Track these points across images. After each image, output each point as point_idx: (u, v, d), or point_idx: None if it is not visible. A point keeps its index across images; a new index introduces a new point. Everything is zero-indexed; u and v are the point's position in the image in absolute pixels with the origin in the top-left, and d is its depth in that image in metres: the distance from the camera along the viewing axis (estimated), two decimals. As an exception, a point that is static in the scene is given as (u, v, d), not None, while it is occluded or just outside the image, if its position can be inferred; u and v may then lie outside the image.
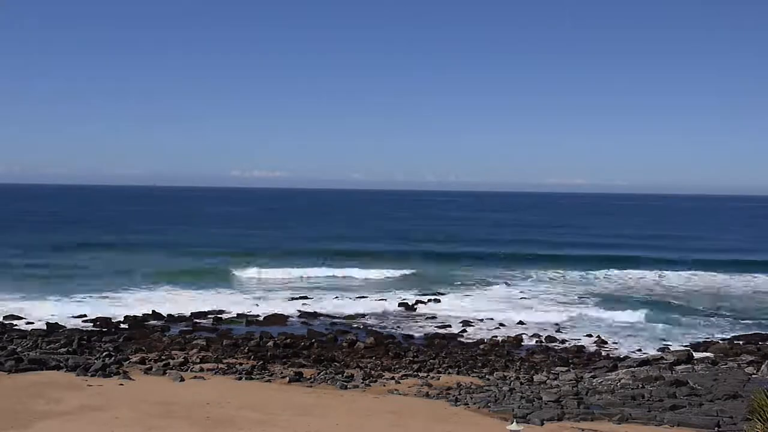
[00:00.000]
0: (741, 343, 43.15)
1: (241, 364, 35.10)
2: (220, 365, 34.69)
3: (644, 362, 36.86)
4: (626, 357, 39.03)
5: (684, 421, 26.79)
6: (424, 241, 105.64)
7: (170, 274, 65.64)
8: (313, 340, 41.09)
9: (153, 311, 48.39)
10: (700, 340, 43.80)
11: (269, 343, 39.69)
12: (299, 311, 51.39)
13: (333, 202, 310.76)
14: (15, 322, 44.17)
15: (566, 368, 35.90)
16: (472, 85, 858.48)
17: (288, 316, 49.34)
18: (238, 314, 49.55)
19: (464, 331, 45.85)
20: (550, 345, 42.03)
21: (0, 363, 32.25)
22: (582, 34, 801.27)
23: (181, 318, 47.58)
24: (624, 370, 34.87)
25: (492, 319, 49.64)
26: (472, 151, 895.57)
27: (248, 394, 29.17)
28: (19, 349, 35.85)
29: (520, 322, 48.50)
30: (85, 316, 46.71)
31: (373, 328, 45.79)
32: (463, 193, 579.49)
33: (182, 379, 31.48)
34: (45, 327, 42.38)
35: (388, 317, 50.35)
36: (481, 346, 40.99)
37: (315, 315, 50.41)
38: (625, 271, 75.96)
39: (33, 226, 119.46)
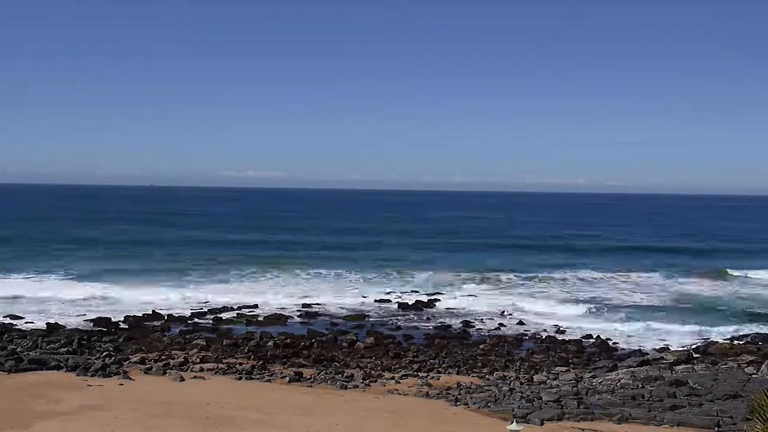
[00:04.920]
0: (741, 343, 43.17)
1: (241, 364, 35.11)
2: (220, 365, 34.69)
3: (644, 362, 36.88)
4: (626, 357, 39.01)
5: (684, 421, 26.80)
6: (423, 241, 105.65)
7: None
8: (313, 340, 41.10)
9: (153, 311, 48.44)
10: (700, 340, 43.81)
11: (269, 343, 39.71)
12: (299, 311, 51.45)
13: (331, 201, 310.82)
14: (15, 322, 44.19)
15: (566, 368, 35.91)
16: (469, 86, 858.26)
17: (288, 316, 49.37)
18: (238, 314, 49.67)
19: (464, 331, 45.87)
20: (550, 345, 42.03)
21: (0, 363, 32.27)
22: (580, 36, 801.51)
23: (181, 318, 47.61)
24: (624, 370, 34.90)
25: (492, 319, 49.69)
26: (469, 152, 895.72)
27: (248, 394, 29.18)
28: (19, 349, 35.88)
29: (521, 322, 48.54)
30: (84, 315, 46.80)
31: (373, 328, 45.78)
32: (461, 193, 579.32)
33: (182, 379, 31.49)
34: (45, 327, 42.41)
35: (387, 317, 50.34)
36: (481, 346, 40.99)
37: (315, 315, 50.46)
38: (632, 272, 76.00)
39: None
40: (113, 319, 45.72)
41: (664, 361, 36.99)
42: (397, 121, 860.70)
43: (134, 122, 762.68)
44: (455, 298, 58.02)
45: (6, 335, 39.79)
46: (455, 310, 52.99)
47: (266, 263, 74.42)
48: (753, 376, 34.12)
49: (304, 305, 53.51)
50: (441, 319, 49.55)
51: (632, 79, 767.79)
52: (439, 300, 56.43)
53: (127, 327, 44.36)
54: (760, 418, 15.42)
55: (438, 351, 39.57)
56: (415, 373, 34.38)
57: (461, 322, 48.19)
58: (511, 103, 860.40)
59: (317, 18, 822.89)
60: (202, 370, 33.58)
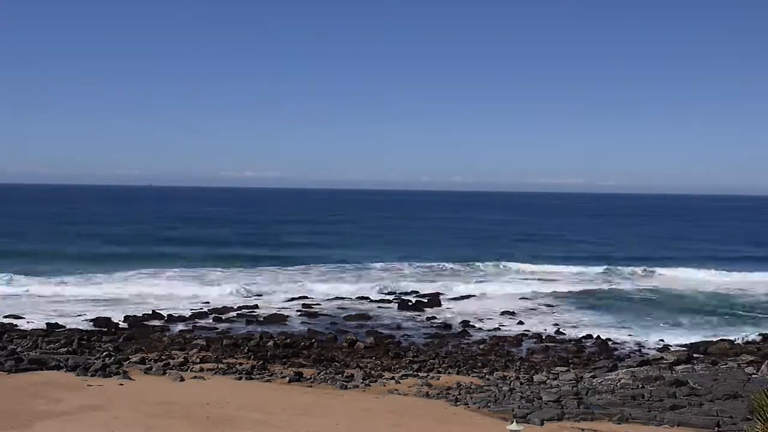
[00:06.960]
0: (741, 343, 43.17)
1: (241, 364, 35.10)
2: (220, 365, 34.68)
3: (644, 362, 36.88)
4: (626, 357, 39.02)
5: (684, 421, 26.79)
6: (423, 241, 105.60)
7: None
8: (313, 340, 41.09)
9: (153, 311, 48.42)
10: (700, 340, 43.78)
11: (269, 343, 39.69)
12: (299, 311, 51.43)
13: (329, 202, 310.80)
14: (15, 322, 44.17)
15: (566, 368, 35.90)
16: (468, 86, 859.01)
17: (288, 316, 49.36)
18: (238, 314, 49.65)
19: (464, 331, 45.84)
20: (550, 345, 42.02)
21: (0, 363, 32.25)
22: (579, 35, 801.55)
23: (181, 318, 47.60)
24: (624, 370, 34.88)
25: (492, 319, 49.66)
26: (467, 153, 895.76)
27: (248, 394, 29.17)
28: (19, 349, 35.85)
29: (520, 322, 48.51)
30: (84, 315, 46.79)
31: (373, 328, 45.76)
32: (459, 193, 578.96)
33: (182, 379, 31.48)
34: (45, 327, 42.39)
35: (387, 317, 50.31)
36: (481, 346, 41.00)
37: (315, 315, 50.43)
38: (628, 268, 76.20)
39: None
40: (113, 319, 45.71)
41: (664, 361, 36.97)
42: (397, 122, 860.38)
43: (134, 122, 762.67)
44: (455, 298, 58.04)
45: (6, 335, 39.77)
46: (455, 310, 52.95)
47: (265, 262, 74.43)
48: (753, 376, 34.10)
49: (304, 305, 53.51)
50: (441, 319, 49.52)
51: (632, 80, 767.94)
52: (439, 300, 56.40)
53: (127, 327, 44.34)
54: (760, 418, 15.43)
55: (438, 351, 39.56)
56: (415, 373, 34.37)
57: (461, 322, 48.15)
58: (510, 103, 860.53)
59: (316, 18, 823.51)
60: (202, 370, 33.57)
